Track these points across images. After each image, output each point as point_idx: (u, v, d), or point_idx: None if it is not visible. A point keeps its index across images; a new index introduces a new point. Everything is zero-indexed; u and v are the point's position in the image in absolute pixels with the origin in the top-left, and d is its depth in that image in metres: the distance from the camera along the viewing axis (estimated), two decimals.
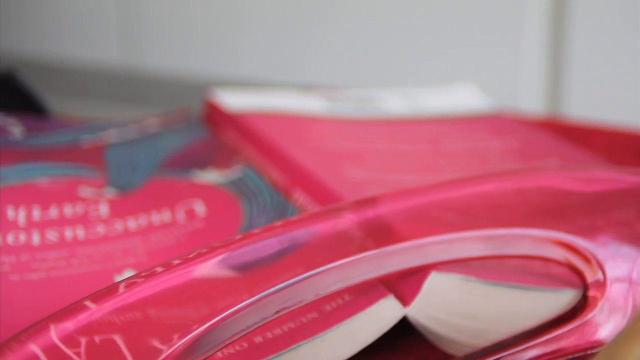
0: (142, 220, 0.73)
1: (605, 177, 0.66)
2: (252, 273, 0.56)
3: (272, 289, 0.55)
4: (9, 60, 1.63)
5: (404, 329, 0.62)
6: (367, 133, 0.87)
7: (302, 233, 0.59)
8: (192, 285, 0.50)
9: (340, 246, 0.60)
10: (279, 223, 0.59)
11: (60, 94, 1.45)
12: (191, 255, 0.51)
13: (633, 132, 0.98)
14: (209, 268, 0.51)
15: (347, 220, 0.61)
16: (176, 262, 0.50)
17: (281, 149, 0.78)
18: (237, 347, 0.58)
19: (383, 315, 0.60)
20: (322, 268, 0.57)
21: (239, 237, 0.58)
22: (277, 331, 0.59)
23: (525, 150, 0.86)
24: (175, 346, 0.51)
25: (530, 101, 1.50)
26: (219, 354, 0.58)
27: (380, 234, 0.61)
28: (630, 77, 1.36)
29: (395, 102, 0.96)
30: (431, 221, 0.62)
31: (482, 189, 0.64)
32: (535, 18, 1.40)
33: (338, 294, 0.61)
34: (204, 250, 0.52)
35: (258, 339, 0.59)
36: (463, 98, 0.99)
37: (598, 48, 1.36)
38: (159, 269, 0.49)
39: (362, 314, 0.59)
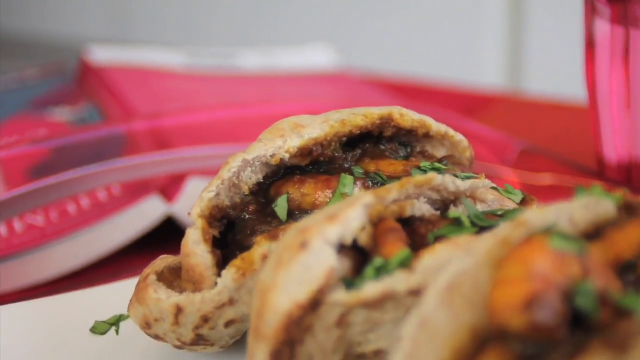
0: None
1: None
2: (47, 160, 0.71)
3: (49, 181, 0.70)
4: None
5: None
6: (209, 83, 1.01)
7: (92, 135, 0.74)
8: None
9: (125, 148, 0.75)
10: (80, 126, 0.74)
11: None
12: None
13: (465, 91, 1.11)
14: None
15: (135, 127, 0.76)
16: None
17: (121, 93, 0.93)
18: (29, 236, 0.72)
19: (149, 211, 0.73)
20: (103, 165, 0.72)
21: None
22: (63, 225, 0.73)
23: (349, 100, 0.99)
24: None
25: (491, 75, 1.61)
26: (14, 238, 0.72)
27: (159, 141, 0.76)
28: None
29: (251, 59, 1.09)
30: (200, 135, 0.77)
31: (239, 113, 0.78)
32: None
33: (114, 191, 0.75)
34: None
35: (48, 230, 0.73)
36: (316, 57, 1.12)
37: (556, 24, 1.45)
38: None
39: (132, 209, 0.73)
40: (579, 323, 0.39)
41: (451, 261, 0.40)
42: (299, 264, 0.42)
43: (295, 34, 1.59)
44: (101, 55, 1.04)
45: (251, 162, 0.50)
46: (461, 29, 1.54)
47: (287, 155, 0.51)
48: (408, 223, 0.48)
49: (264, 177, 0.52)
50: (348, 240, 0.43)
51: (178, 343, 0.51)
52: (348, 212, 0.44)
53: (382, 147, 0.55)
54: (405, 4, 1.56)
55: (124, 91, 0.94)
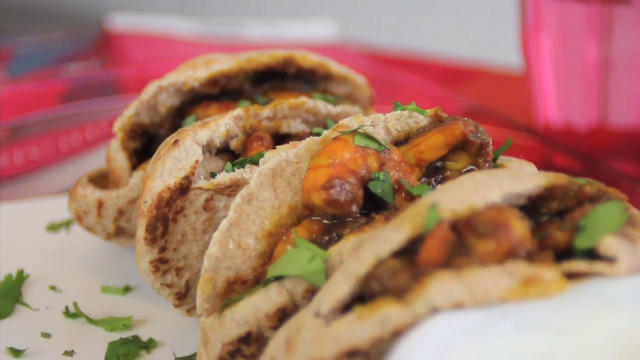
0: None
1: None
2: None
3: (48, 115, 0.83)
4: None
5: None
6: (217, 50, 1.12)
7: (93, 77, 0.87)
8: None
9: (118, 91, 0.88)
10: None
11: None
12: None
13: (440, 63, 1.21)
14: None
15: (129, 72, 0.89)
16: None
17: (131, 56, 1.05)
18: (24, 167, 0.85)
19: None
20: (93, 104, 0.85)
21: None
22: (52, 157, 0.85)
23: None
24: None
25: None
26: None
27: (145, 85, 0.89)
28: None
29: (257, 30, 1.20)
30: None
31: None
32: None
33: (100, 128, 0.87)
34: None
35: (40, 162, 0.85)
36: (317, 30, 1.22)
37: None
38: None
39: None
40: (379, 206, 0.49)
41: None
42: (171, 157, 0.52)
43: (299, 7, 1.69)
44: (121, 22, 1.17)
45: (166, 87, 0.61)
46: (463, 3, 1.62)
47: (196, 83, 0.61)
48: (286, 139, 0.58)
49: (182, 103, 0.62)
50: (217, 142, 0.54)
51: (104, 234, 0.62)
52: (219, 121, 0.54)
53: (289, 84, 0.65)
54: None
55: (135, 54, 1.06)
